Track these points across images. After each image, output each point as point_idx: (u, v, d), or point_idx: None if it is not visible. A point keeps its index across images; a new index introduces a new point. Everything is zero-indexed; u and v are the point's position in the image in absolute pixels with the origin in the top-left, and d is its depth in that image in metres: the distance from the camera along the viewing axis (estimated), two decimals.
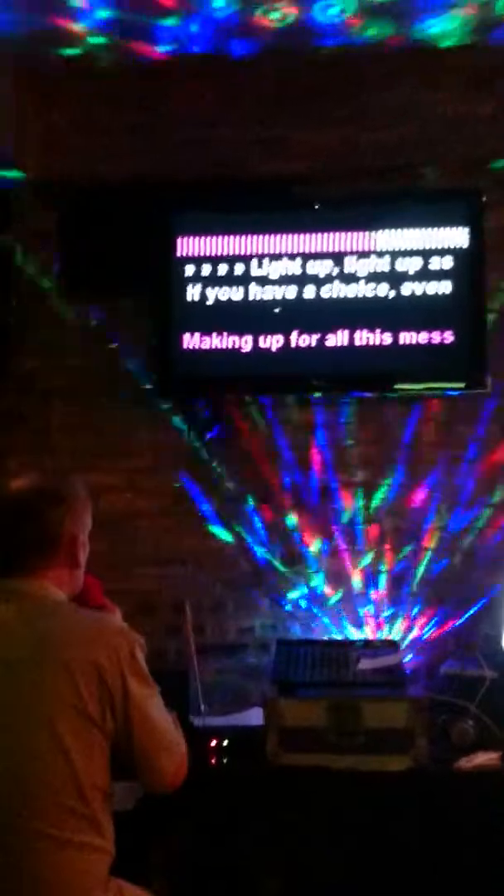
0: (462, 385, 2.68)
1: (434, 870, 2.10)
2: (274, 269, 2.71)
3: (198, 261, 2.73)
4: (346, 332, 2.68)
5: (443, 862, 2.11)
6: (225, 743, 2.28)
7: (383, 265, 2.68)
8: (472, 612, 2.72)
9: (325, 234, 2.70)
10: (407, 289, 2.68)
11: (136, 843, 1.78)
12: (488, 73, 2.77)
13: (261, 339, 2.71)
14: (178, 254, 2.74)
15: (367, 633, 2.78)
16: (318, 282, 2.70)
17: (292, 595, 2.81)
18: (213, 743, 2.28)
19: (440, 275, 2.66)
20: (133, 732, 1.59)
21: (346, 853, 2.12)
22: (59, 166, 2.84)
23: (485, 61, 2.76)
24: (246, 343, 2.71)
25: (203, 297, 2.73)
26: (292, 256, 2.71)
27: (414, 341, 2.66)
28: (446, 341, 2.65)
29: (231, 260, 2.72)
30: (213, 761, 2.25)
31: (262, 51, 2.75)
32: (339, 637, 2.77)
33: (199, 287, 2.73)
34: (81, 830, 1.54)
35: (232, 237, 2.72)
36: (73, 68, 2.81)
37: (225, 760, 2.25)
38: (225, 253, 2.73)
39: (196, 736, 2.14)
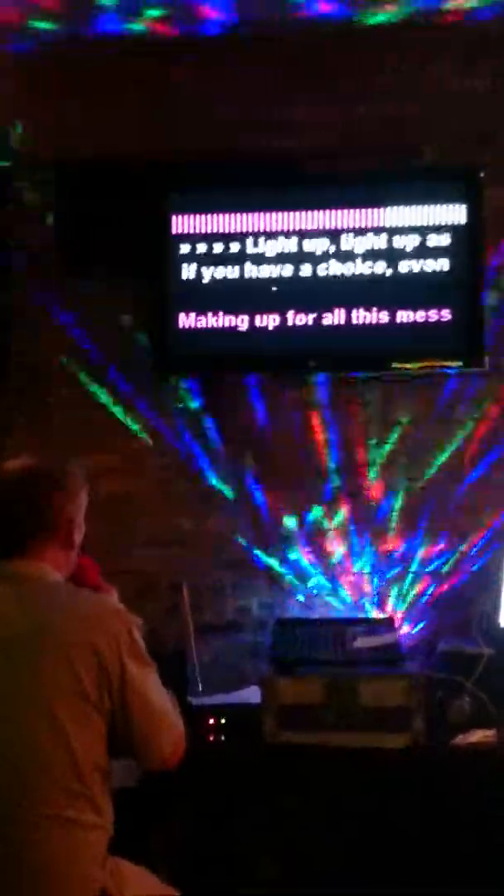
0: (459, 363, 2.67)
1: (431, 845, 2.12)
2: (270, 248, 2.69)
3: (193, 239, 2.71)
4: (343, 311, 2.67)
5: (440, 837, 2.13)
6: (223, 721, 2.29)
7: (380, 243, 2.66)
8: (470, 589, 2.72)
9: (322, 212, 2.67)
10: (404, 266, 2.66)
11: (137, 826, 1.79)
12: (486, 47, 2.73)
13: (257, 318, 2.69)
14: (174, 232, 2.72)
15: (365, 611, 2.79)
16: (315, 260, 2.68)
17: (289, 574, 2.81)
18: (211, 722, 2.29)
19: (438, 252, 2.65)
20: (132, 715, 1.60)
21: (344, 831, 2.14)
22: (54, 144, 2.81)
23: (482, 36, 2.73)
24: (242, 322, 2.70)
25: (199, 275, 2.71)
26: (288, 234, 2.69)
27: (411, 320, 2.65)
28: (443, 320, 2.64)
29: (227, 238, 2.70)
30: (210, 739, 2.26)
31: (260, 27, 2.71)
32: (336, 615, 2.78)
33: (194, 266, 2.71)
34: (80, 810, 1.55)
35: (227, 215, 2.70)
36: (68, 44, 2.78)
37: (223, 738, 2.26)
38: (220, 231, 2.70)
39: (194, 715, 2.15)
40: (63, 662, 1.56)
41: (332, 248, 2.67)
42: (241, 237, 2.70)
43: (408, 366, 2.69)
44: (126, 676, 1.59)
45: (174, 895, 1.77)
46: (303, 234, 2.68)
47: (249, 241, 2.69)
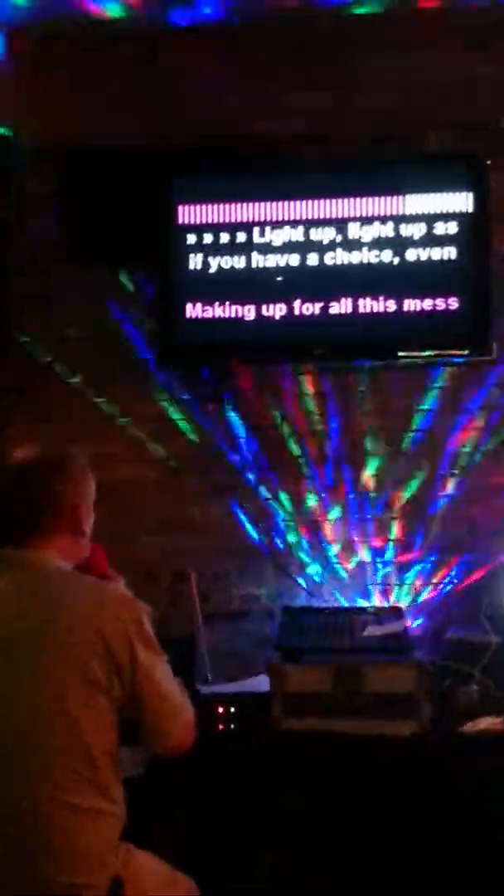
0: (466, 352, 2.66)
1: (439, 831, 2.13)
2: (276, 237, 2.69)
3: (199, 229, 2.71)
4: (350, 300, 2.66)
5: (448, 824, 2.13)
6: (232, 710, 2.29)
7: (387, 231, 2.66)
8: (477, 578, 2.73)
9: (328, 201, 2.67)
10: (411, 255, 2.65)
11: (143, 816, 1.80)
12: (489, 33, 2.72)
13: (264, 307, 2.69)
14: (180, 222, 2.72)
15: (373, 599, 2.79)
16: (321, 249, 2.68)
17: (297, 562, 2.82)
18: (221, 710, 2.29)
19: (444, 240, 2.64)
20: (142, 700, 1.60)
21: (353, 817, 2.14)
22: (58, 132, 2.81)
23: (485, 21, 2.71)
24: (249, 312, 2.70)
25: (205, 265, 2.71)
26: (295, 223, 2.68)
27: (418, 308, 2.64)
28: (451, 308, 2.63)
29: (233, 228, 2.70)
30: (220, 728, 2.26)
31: (262, 14, 2.70)
32: (344, 604, 2.78)
33: (201, 256, 2.71)
34: (92, 797, 1.55)
35: (234, 204, 2.70)
36: (72, 31, 2.77)
37: (233, 727, 2.27)
38: (227, 220, 2.70)
39: (202, 703, 2.16)
40: (69, 650, 1.55)
41: (339, 237, 2.67)
42: (247, 227, 2.69)
43: (415, 354, 2.69)
44: (136, 662, 1.59)
45: (185, 880, 1.78)
46: (309, 223, 2.68)
47: (256, 230, 2.69)
